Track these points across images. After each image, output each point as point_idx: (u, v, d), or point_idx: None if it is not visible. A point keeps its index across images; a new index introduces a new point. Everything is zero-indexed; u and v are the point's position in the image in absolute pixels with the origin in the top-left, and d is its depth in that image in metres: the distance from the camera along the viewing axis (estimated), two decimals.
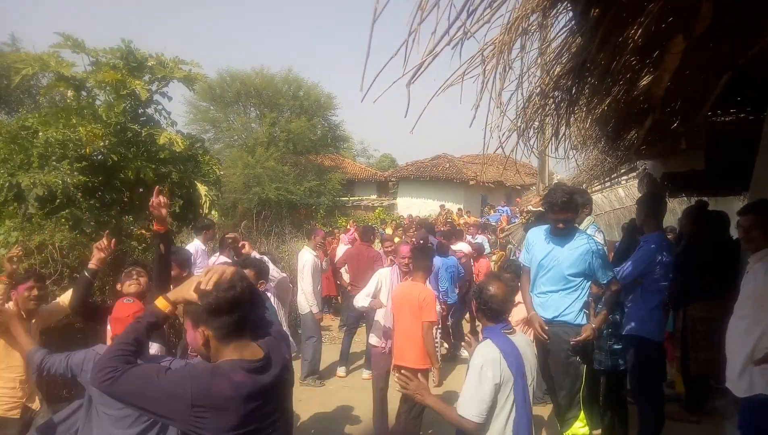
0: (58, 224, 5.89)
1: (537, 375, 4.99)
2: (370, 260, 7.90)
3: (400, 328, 5.03)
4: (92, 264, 3.65)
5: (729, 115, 5.19)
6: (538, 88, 2.31)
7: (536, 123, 2.49)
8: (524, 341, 3.19)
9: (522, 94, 2.21)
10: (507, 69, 1.88)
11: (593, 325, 4.15)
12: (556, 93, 2.36)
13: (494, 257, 13.66)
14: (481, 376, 2.88)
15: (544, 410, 5.84)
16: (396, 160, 46.50)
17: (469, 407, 2.89)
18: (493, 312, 3.02)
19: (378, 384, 5.55)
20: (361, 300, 5.67)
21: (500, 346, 2.95)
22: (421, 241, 7.51)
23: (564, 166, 5.45)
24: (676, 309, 5.55)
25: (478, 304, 3.12)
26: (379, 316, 5.66)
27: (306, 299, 7.36)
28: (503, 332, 3.03)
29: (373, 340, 5.69)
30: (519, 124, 2.32)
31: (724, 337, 3.65)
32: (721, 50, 2.86)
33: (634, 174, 8.91)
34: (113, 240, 3.75)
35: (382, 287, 5.66)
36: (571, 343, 4.09)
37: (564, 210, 4.04)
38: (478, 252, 10.20)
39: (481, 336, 3.15)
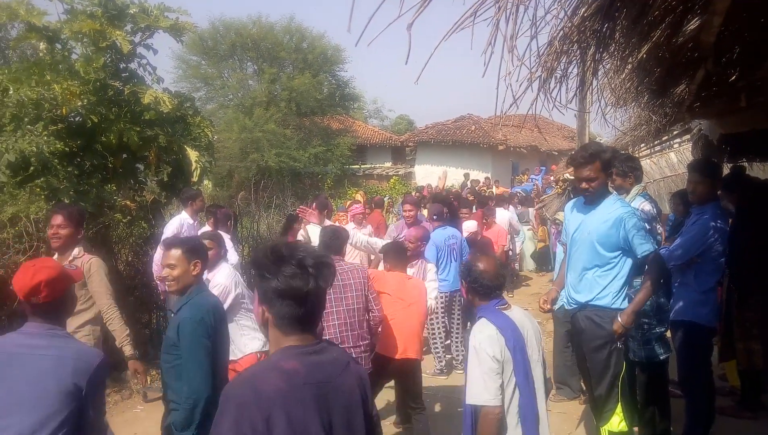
0: (33, 194, 6.00)
1: (575, 357, 5.01)
2: None
3: None
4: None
5: None
6: (561, 32, 2.27)
7: (559, 72, 2.45)
8: (522, 315, 3.30)
9: (537, 40, 2.17)
10: (519, 6, 1.83)
11: (625, 317, 3.92)
12: (582, 37, 2.31)
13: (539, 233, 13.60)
14: (480, 355, 2.99)
15: (578, 406, 5.93)
16: (414, 122, 46.07)
17: (479, 393, 2.97)
18: (485, 289, 3.19)
19: None
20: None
21: (495, 322, 3.10)
22: (435, 217, 7.45)
23: (607, 127, 5.40)
24: (743, 293, 5.42)
25: (469, 284, 3.28)
26: None
27: None
28: (498, 309, 3.18)
29: None
30: (540, 74, 2.29)
31: None
32: None
33: (688, 136, 8.77)
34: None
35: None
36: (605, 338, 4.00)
37: (585, 165, 3.96)
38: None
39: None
